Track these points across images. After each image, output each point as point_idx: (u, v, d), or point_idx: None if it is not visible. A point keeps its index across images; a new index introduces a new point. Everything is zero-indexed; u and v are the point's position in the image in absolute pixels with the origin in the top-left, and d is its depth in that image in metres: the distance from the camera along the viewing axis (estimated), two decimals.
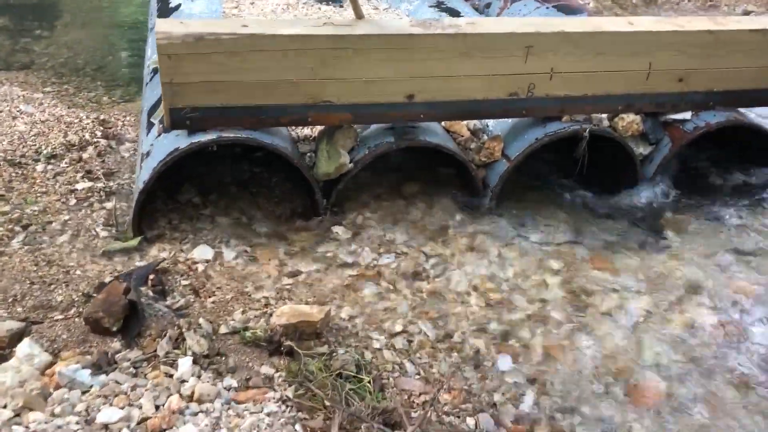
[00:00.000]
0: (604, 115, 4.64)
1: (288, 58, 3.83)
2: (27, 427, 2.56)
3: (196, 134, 3.94)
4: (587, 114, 4.53)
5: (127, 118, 5.78)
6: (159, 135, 4.18)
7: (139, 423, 2.67)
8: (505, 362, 3.43)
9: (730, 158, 5.30)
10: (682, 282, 4.06)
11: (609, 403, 3.28)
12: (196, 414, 2.76)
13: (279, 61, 3.83)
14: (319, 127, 4.42)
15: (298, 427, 2.75)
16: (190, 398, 2.86)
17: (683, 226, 4.59)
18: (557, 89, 4.33)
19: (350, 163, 4.22)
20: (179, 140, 3.95)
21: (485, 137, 4.69)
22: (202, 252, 3.94)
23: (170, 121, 3.89)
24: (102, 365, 3.02)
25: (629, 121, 4.61)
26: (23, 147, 4.87)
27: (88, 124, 5.42)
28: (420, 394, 3.09)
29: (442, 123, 4.75)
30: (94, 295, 3.46)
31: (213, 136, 3.90)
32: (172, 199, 4.44)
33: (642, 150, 4.72)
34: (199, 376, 3.00)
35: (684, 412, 3.26)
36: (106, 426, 2.62)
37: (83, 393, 2.82)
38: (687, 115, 4.71)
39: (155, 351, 3.14)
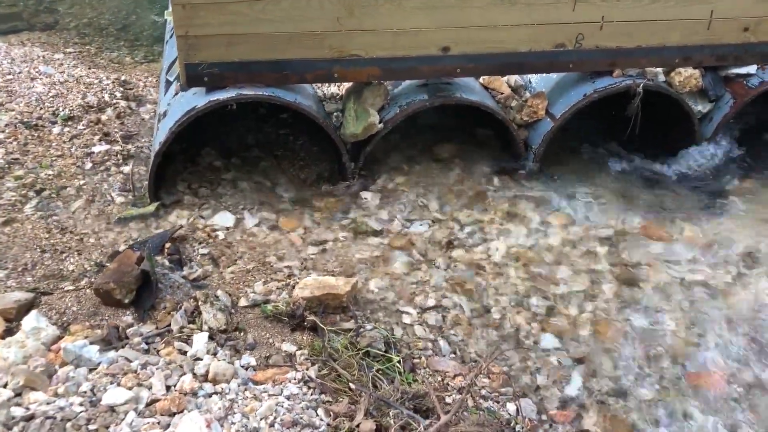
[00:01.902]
0: (660, 69, 4.22)
1: (312, 6, 3.51)
2: (27, 408, 2.35)
3: (215, 92, 3.66)
4: (641, 68, 4.12)
5: (150, 79, 5.54)
6: (176, 94, 3.92)
7: (147, 405, 2.44)
8: (549, 341, 3.12)
9: None
10: (746, 253, 3.67)
11: (666, 387, 2.96)
12: (209, 396, 2.52)
13: (302, 10, 3.52)
14: (346, 85, 4.11)
15: (320, 411, 2.50)
16: (205, 378, 2.63)
17: (746, 191, 4.18)
18: (608, 40, 3.93)
19: (380, 123, 3.90)
20: (196, 99, 3.68)
21: (527, 94, 4.32)
22: (223, 219, 3.70)
23: (186, 78, 3.62)
24: (112, 340, 2.81)
25: (687, 76, 4.17)
26: (40, 109, 4.66)
27: (108, 85, 5.19)
28: (455, 376, 2.81)
29: (480, 79, 4.39)
30: (107, 264, 3.24)
31: (232, 94, 3.61)
32: (192, 163, 4.19)
33: (701, 108, 4.30)
34: (215, 354, 2.77)
35: (749, 399, 2.92)
36: (111, 408, 2.40)
37: (90, 371, 2.60)
38: (752, 68, 4.26)
39: (169, 325, 2.92)
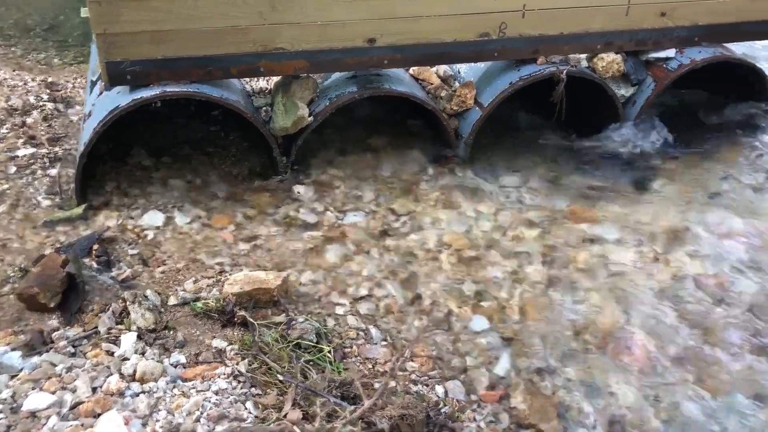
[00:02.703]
0: (583, 56, 4.33)
1: (235, 2, 3.49)
2: None
3: (139, 90, 3.61)
4: (564, 54, 4.22)
5: (79, 81, 5.41)
6: (100, 94, 3.85)
7: (71, 408, 2.41)
8: (479, 323, 3.18)
9: (719, 95, 5.00)
10: (668, 231, 3.81)
11: (591, 363, 3.05)
12: (137, 395, 2.50)
13: (226, 5, 3.49)
14: (275, 79, 4.10)
15: (249, 404, 2.50)
16: (132, 378, 2.60)
17: (669, 171, 4.33)
18: (531, 28, 4.01)
19: (309, 116, 3.91)
20: (120, 98, 3.62)
21: (457, 84, 4.37)
22: (153, 218, 3.66)
23: (108, 77, 3.56)
24: (36, 346, 2.76)
25: (609, 61, 4.30)
26: None
27: (34, 87, 5.06)
28: (385, 362, 2.85)
29: (411, 70, 4.43)
30: (32, 269, 3.17)
31: (156, 92, 3.57)
32: (121, 163, 4.12)
33: (624, 92, 4.43)
34: (143, 353, 2.74)
35: (671, 371, 3.03)
36: (33, 414, 2.36)
37: (11, 378, 2.56)
38: (670, 52, 4.41)
39: (96, 327, 2.88)
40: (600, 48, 4.24)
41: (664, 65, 4.40)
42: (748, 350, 3.13)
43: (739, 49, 4.69)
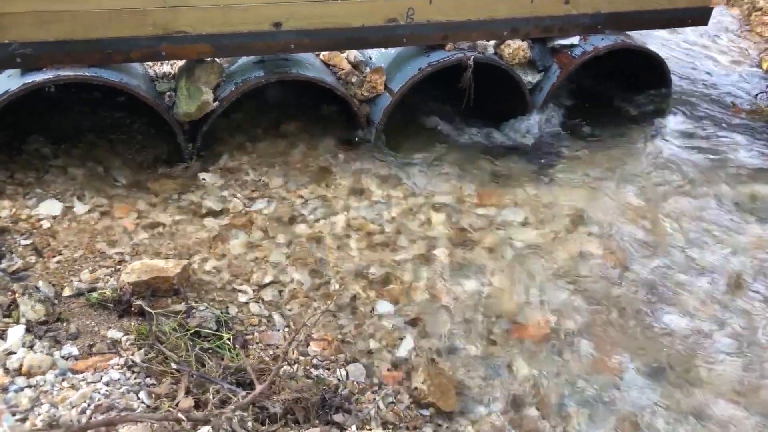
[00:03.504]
0: (491, 43, 4.40)
1: None
2: None
3: (31, 74, 3.45)
4: (472, 41, 4.27)
5: None
6: None
7: None
8: (384, 306, 3.20)
9: (622, 82, 5.18)
10: (570, 213, 3.92)
11: (493, 342, 3.12)
12: (21, 390, 2.40)
13: None
14: (179, 63, 3.99)
15: (142, 394, 2.43)
16: (18, 372, 2.49)
17: (573, 156, 4.45)
18: (438, 14, 4.04)
19: (215, 101, 3.83)
20: (11, 81, 3.46)
21: (367, 70, 4.37)
22: (49, 207, 3.51)
23: None
24: None
25: (515, 48, 4.38)
26: None
27: None
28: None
29: (321, 55, 4.40)
30: None
31: (50, 75, 3.42)
32: (18, 152, 3.94)
33: (531, 78, 4.52)
34: (31, 347, 2.63)
35: (570, 346, 3.13)
36: None
37: None
38: (575, 39, 4.53)
39: None
40: (507, 35, 4.31)
41: (569, 52, 4.51)
42: (643, 326, 3.26)
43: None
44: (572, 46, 4.52)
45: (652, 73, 4.93)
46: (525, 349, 3.12)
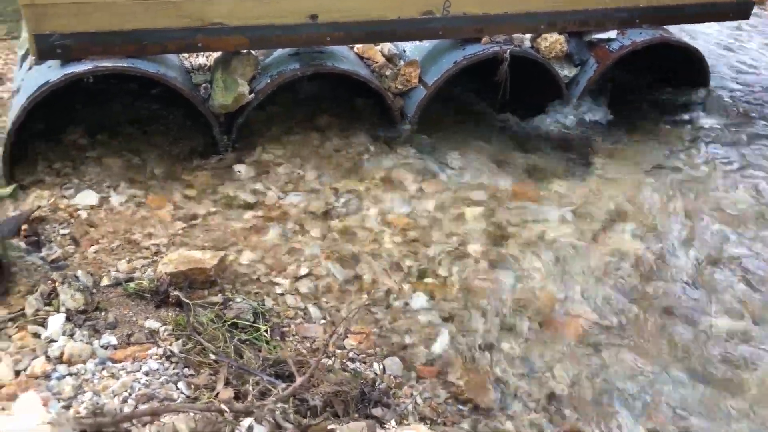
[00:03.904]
0: (527, 36, 4.34)
1: None
2: None
3: (70, 65, 3.48)
4: (508, 34, 4.22)
5: (11, 56, 5.19)
6: (30, 68, 3.70)
7: None
8: (419, 301, 3.18)
9: (659, 77, 5.09)
10: (608, 209, 3.86)
11: (530, 338, 3.08)
12: (63, 377, 2.42)
13: None
14: (215, 55, 4.00)
15: (181, 384, 2.44)
16: (59, 360, 2.52)
17: (610, 151, 4.39)
18: (474, 7, 4.00)
19: (250, 93, 3.83)
20: (51, 72, 3.48)
21: (401, 63, 4.34)
22: (86, 197, 3.54)
23: (37, 51, 3.42)
24: None
25: (552, 41, 4.32)
26: None
27: None
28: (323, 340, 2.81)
29: (356, 48, 4.38)
30: None
31: (89, 66, 3.44)
32: (55, 142, 3.98)
33: (567, 72, 4.46)
34: (71, 335, 2.65)
35: (608, 345, 3.08)
36: None
37: None
38: (612, 33, 4.46)
39: (23, 309, 2.77)
40: (543, 28, 4.26)
41: (607, 46, 4.44)
42: (683, 326, 3.19)
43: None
44: (609, 40, 4.45)
45: (690, 68, 4.84)
46: (562, 346, 3.07)
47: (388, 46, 4.38)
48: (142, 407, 2.06)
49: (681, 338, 3.13)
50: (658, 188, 4.08)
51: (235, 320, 2.81)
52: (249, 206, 3.64)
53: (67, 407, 2.21)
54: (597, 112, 4.64)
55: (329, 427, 1.97)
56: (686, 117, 4.74)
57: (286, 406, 2.12)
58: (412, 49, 4.44)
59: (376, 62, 4.32)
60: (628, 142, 4.51)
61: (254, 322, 2.84)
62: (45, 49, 3.41)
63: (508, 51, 4.11)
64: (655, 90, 5.01)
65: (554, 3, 4.16)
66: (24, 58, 3.89)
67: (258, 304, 2.96)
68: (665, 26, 4.59)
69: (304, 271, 3.26)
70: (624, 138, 4.56)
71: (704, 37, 5.98)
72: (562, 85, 4.40)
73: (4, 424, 1.87)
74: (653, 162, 4.33)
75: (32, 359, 2.50)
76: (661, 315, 3.26)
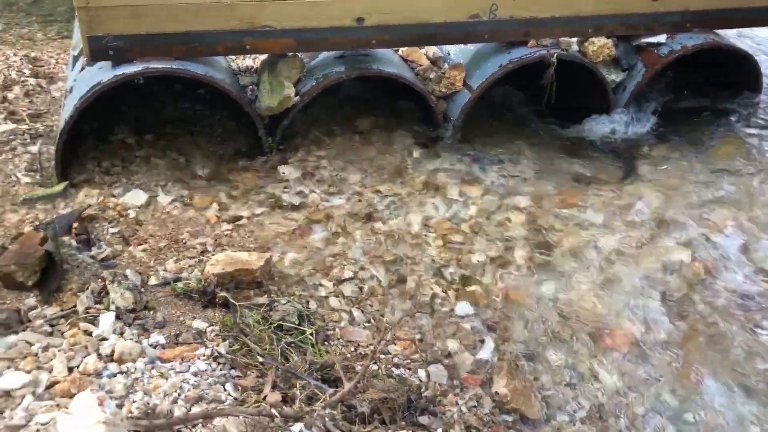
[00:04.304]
0: (574, 40, 4.29)
1: None
2: None
3: (121, 66, 3.53)
4: (555, 38, 4.17)
5: (62, 56, 5.31)
6: (83, 69, 3.77)
7: (47, 388, 2.36)
8: (463, 308, 3.15)
9: (710, 82, 4.98)
10: (656, 217, 3.79)
11: (576, 348, 3.03)
12: (114, 375, 2.46)
13: None
14: (261, 58, 4.03)
15: (228, 386, 2.46)
16: (110, 358, 2.56)
17: (658, 158, 4.30)
18: (522, 10, 3.96)
19: (296, 95, 3.85)
20: (102, 73, 3.55)
21: (446, 66, 4.32)
22: (134, 197, 3.59)
23: (90, 52, 3.49)
24: (12, 324, 2.70)
25: (600, 46, 4.26)
26: None
27: (15, 62, 4.97)
28: (368, 345, 2.81)
29: (400, 51, 4.37)
30: (9, 246, 3.11)
31: (139, 68, 3.50)
32: (104, 141, 4.05)
33: (614, 77, 4.39)
34: (121, 334, 2.69)
35: (656, 358, 3.02)
36: (7, 393, 2.31)
37: None
38: (662, 37, 4.37)
39: (74, 307, 2.82)
40: (591, 32, 4.20)
41: (655, 51, 4.36)
42: (735, 339, 3.11)
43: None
44: (659, 44, 4.36)
45: (740, 72, 4.73)
46: (608, 357, 3.02)
47: (432, 49, 4.36)
48: (195, 410, 2.08)
49: (732, 352, 3.05)
50: (707, 196, 3.99)
51: (280, 322, 2.82)
52: (293, 208, 3.67)
53: (120, 406, 2.24)
54: (644, 117, 4.56)
55: None
56: (737, 123, 4.63)
57: (335, 411, 2.13)
58: (457, 52, 4.41)
59: (421, 65, 4.31)
60: (675, 149, 4.42)
61: (299, 324, 2.85)
62: (97, 50, 3.47)
63: (555, 55, 4.06)
64: (707, 95, 4.90)
65: (603, 6, 4.10)
66: (76, 58, 3.97)
67: (303, 307, 2.97)
68: (716, 30, 4.48)
69: (347, 274, 3.26)
70: (671, 144, 4.47)
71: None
72: (608, 90, 4.33)
73: (63, 423, 1.91)
74: (702, 169, 4.24)
75: (84, 356, 2.53)
76: (712, 327, 3.18)
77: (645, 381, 2.92)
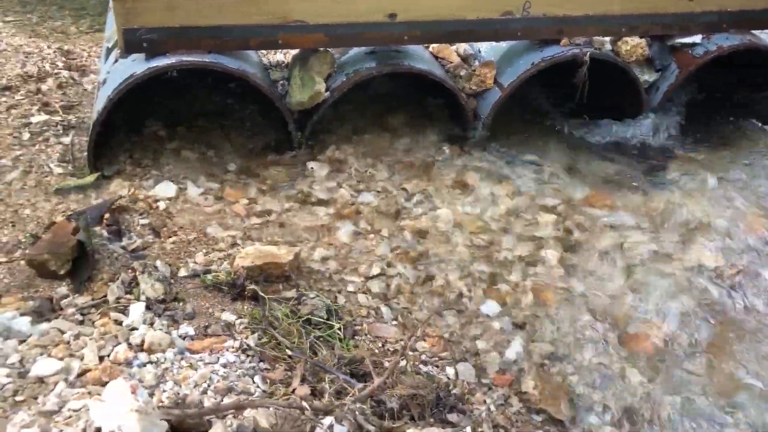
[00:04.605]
0: (607, 39, 4.23)
1: None
2: None
3: (155, 59, 3.56)
4: (588, 36, 4.13)
5: (94, 49, 5.37)
6: (116, 61, 3.80)
7: (78, 375, 2.38)
8: (491, 307, 3.13)
9: (745, 82, 4.89)
10: (688, 220, 3.73)
11: (605, 350, 3.00)
12: (144, 365, 2.47)
13: None
14: (293, 52, 4.03)
15: (257, 378, 2.47)
16: (140, 348, 2.57)
17: (690, 159, 4.24)
18: (555, 8, 3.92)
19: (326, 91, 3.85)
20: (136, 66, 3.57)
21: (477, 63, 4.29)
22: (165, 189, 3.62)
23: (125, 44, 3.52)
24: (44, 312, 2.73)
25: (633, 45, 4.20)
26: None
27: (49, 54, 5.03)
28: (396, 342, 2.81)
29: (430, 48, 4.35)
30: (42, 235, 3.15)
31: (172, 61, 3.52)
32: (135, 133, 4.09)
33: (647, 77, 4.33)
34: (151, 324, 2.71)
35: (687, 361, 2.97)
36: (41, 379, 2.34)
37: (20, 343, 2.53)
38: (697, 38, 4.30)
39: (105, 296, 2.85)
40: (625, 31, 4.14)
41: (690, 51, 4.29)
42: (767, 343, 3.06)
43: None
44: (694, 44, 4.29)
45: None
46: (638, 359, 2.98)
47: (463, 46, 4.34)
48: (227, 401, 2.08)
49: (764, 358, 2.99)
50: (739, 200, 3.92)
51: (308, 316, 2.82)
52: (322, 203, 3.67)
53: (150, 395, 2.25)
54: (677, 119, 4.49)
55: (408, 430, 1.96)
56: None
57: (364, 406, 2.12)
58: (488, 49, 4.39)
59: (451, 62, 4.29)
60: (708, 151, 4.35)
61: (327, 319, 2.84)
62: (132, 42, 3.50)
63: (588, 54, 4.01)
64: (741, 96, 4.81)
65: (637, 6, 4.04)
66: (110, 50, 4.00)
67: (331, 301, 2.97)
68: (753, 31, 4.40)
69: (375, 270, 3.25)
70: (704, 147, 4.40)
71: None
72: (641, 90, 4.27)
73: (96, 410, 1.92)
74: (735, 173, 4.17)
75: (115, 345, 2.55)
76: (742, 332, 3.13)
77: (676, 384, 2.88)
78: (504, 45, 4.29)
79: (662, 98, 4.33)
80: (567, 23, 3.98)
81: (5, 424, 2.07)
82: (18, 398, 2.24)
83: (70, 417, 2.13)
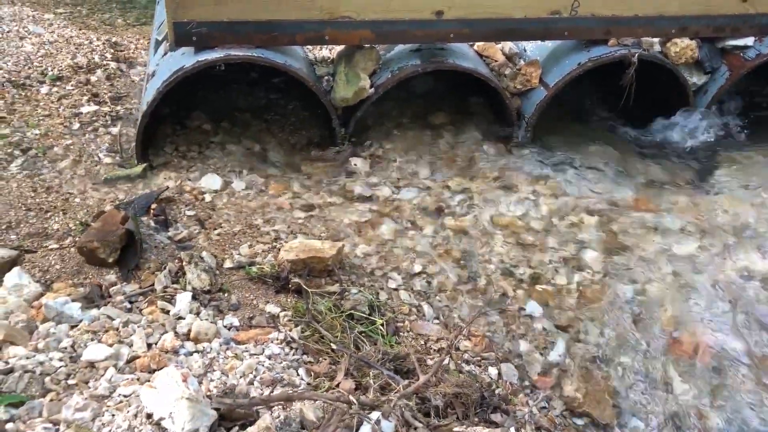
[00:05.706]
0: (656, 40, 4.16)
1: None
2: (6, 362, 2.34)
3: (203, 52, 3.60)
4: (636, 37, 4.06)
5: (141, 42, 5.46)
6: (165, 54, 3.86)
7: (128, 362, 2.43)
8: (534, 308, 3.11)
9: None
10: (736, 225, 3.66)
11: (649, 354, 2.96)
12: (190, 354, 2.51)
13: None
14: (338, 49, 4.05)
15: (301, 371, 2.49)
16: (186, 337, 2.61)
17: (738, 163, 4.15)
18: (604, 8, 3.87)
19: (371, 87, 3.85)
20: (185, 59, 3.62)
21: (522, 62, 4.26)
22: (210, 181, 3.67)
23: (175, 37, 3.56)
24: (94, 298, 2.79)
25: (683, 47, 4.12)
26: (29, 68, 4.60)
27: (98, 46, 5.13)
28: (438, 340, 2.80)
29: (475, 46, 4.33)
30: (92, 224, 3.21)
31: (220, 54, 3.56)
32: (181, 126, 4.15)
33: (696, 79, 4.25)
34: (197, 314, 2.75)
35: (734, 370, 2.92)
36: (92, 364, 2.39)
37: (71, 328, 2.59)
38: (749, 40, 4.20)
39: (152, 285, 2.90)
40: (675, 32, 4.07)
41: (741, 54, 4.20)
42: None
43: None
44: (745, 47, 4.20)
45: None
46: (684, 365, 2.93)
47: (509, 45, 4.31)
48: (276, 392, 2.11)
49: None
50: None
51: (351, 311, 2.83)
52: (364, 199, 3.68)
53: (198, 384, 2.29)
54: (725, 122, 4.40)
55: (455, 429, 1.96)
56: None
57: (410, 403, 2.12)
58: (533, 48, 4.35)
59: (496, 61, 4.26)
60: (757, 156, 4.26)
61: (370, 314, 2.85)
62: (181, 36, 3.54)
63: (636, 55, 3.95)
64: None
65: (688, 6, 3.97)
66: (158, 43, 4.06)
67: (373, 297, 2.98)
68: None
69: (417, 268, 3.25)
70: (753, 150, 4.31)
71: None
72: (689, 92, 4.20)
73: (148, 397, 1.95)
74: None
75: (162, 334, 2.60)
76: None
77: (722, 393, 2.83)
78: (550, 44, 4.25)
79: (711, 101, 4.25)
80: (615, 24, 3.92)
81: (60, 406, 2.12)
82: (70, 381, 2.29)
83: (120, 402, 2.17)
